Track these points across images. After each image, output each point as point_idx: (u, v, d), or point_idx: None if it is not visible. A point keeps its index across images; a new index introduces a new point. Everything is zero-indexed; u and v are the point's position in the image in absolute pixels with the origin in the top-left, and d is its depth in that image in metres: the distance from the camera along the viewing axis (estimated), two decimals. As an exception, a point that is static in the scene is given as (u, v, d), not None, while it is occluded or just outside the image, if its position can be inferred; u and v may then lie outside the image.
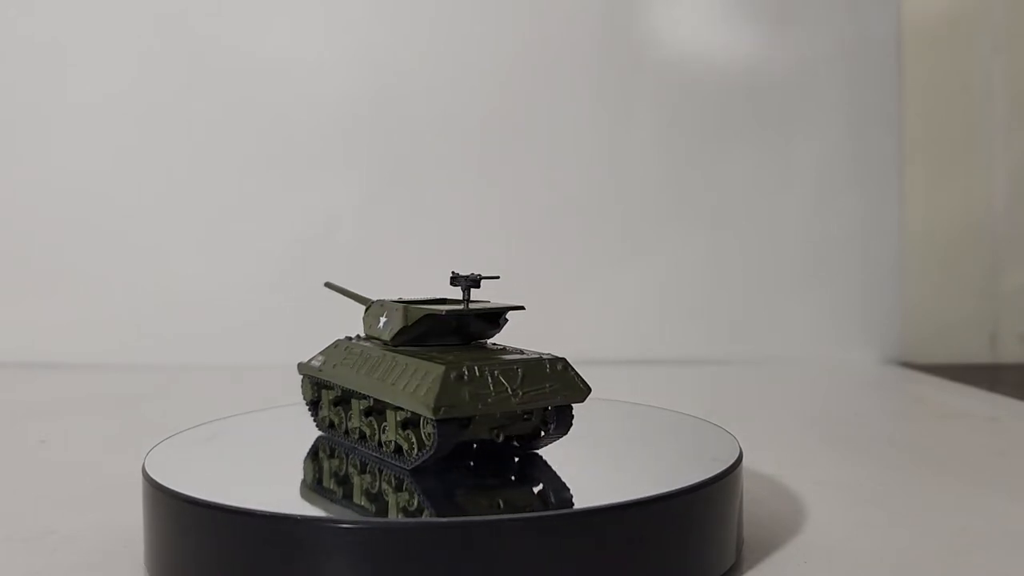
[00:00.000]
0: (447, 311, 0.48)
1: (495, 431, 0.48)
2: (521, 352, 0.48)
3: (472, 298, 0.50)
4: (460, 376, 0.43)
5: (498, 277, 0.49)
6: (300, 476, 0.47)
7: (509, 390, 0.44)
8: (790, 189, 1.27)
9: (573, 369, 0.47)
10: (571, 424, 0.48)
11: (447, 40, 1.27)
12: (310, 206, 1.26)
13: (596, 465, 0.49)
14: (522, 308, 0.49)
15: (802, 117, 1.27)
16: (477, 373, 0.44)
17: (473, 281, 0.49)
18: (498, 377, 0.44)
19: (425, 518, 0.40)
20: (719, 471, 0.44)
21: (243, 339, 1.22)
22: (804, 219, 1.27)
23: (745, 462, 0.48)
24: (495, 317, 0.50)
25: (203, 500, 0.40)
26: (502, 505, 0.42)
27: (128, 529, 0.50)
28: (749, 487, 0.55)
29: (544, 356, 0.47)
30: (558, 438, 0.49)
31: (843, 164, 1.27)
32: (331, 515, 0.40)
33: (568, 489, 0.45)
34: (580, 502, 0.40)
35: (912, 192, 1.27)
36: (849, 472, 0.65)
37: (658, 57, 1.27)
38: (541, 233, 1.27)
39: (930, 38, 1.26)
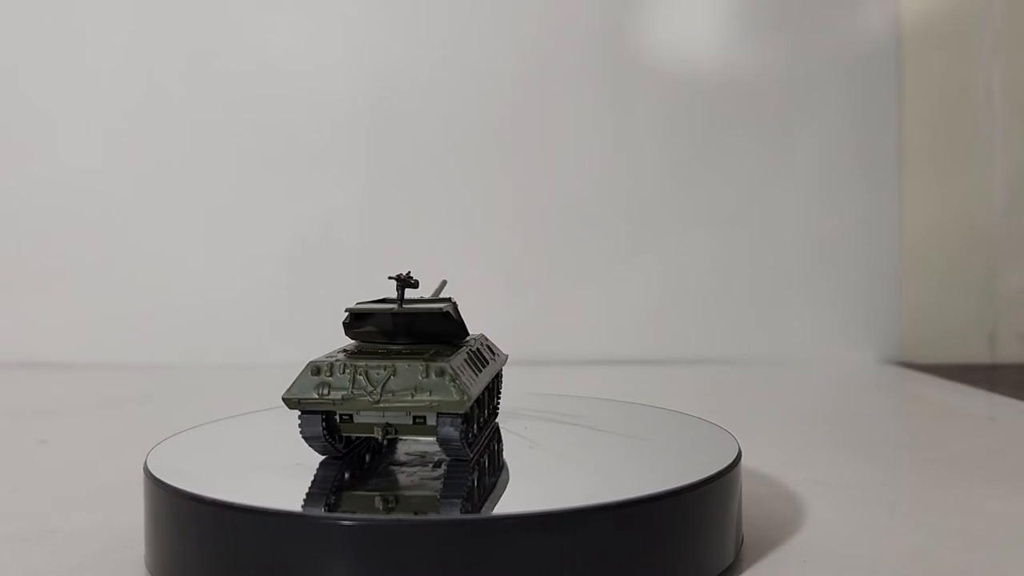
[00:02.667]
0: (351, 308, 0.48)
1: (380, 430, 0.46)
2: (436, 356, 0.46)
3: (418, 298, 0.51)
4: (317, 370, 0.45)
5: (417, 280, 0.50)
6: (299, 474, 0.47)
7: (367, 390, 0.44)
8: (791, 190, 1.27)
9: (453, 377, 0.44)
10: (453, 433, 0.44)
11: (451, 44, 1.27)
12: (312, 207, 1.26)
13: (596, 464, 0.49)
14: (439, 310, 0.48)
15: (803, 119, 1.27)
16: (341, 370, 0.44)
17: (404, 281, 0.49)
18: (358, 376, 0.44)
19: (423, 517, 0.40)
20: (718, 470, 0.44)
21: (243, 339, 1.22)
22: (805, 220, 1.27)
23: (745, 462, 0.48)
24: (435, 317, 0.48)
25: (205, 497, 0.40)
26: (380, 506, 0.41)
27: (128, 529, 0.50)
28: (749, 487, 0.55)
29: (431, 362, 0.45)
30: (447, 448, 0.45)
31: (843, 165, 1.27)
32: (330, 513, 0.40)
33: (464, 497, 0.43)
34: (580, 501, 0.40)
35: (912, 193, 1.27)
36: (849, 472, 0.65)
37: (660, 60, 1.27)
38: (542, 234, 1.27)
39: (929, 40, 1.27)
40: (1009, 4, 1.26)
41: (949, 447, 0.74)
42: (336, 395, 0.44)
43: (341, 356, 0.46)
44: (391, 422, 0.45)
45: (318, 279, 1.25)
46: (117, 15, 1.26)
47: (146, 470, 0.45)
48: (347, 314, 0.49)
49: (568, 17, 1.27)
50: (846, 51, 1.26)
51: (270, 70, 1.26)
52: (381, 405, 0.44)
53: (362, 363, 0.45)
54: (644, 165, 1.28)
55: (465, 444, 0.46)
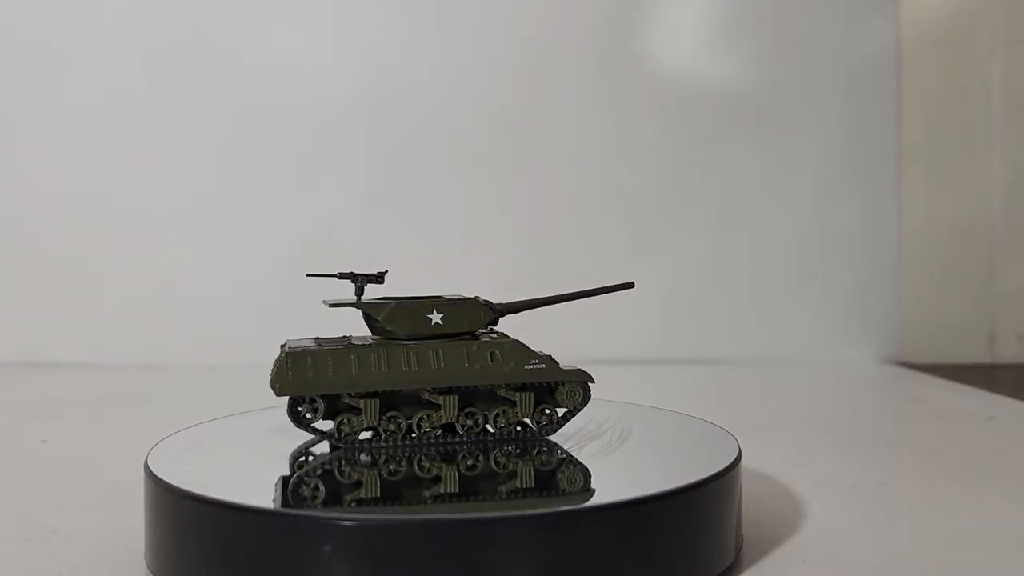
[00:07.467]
0: (327, 301, 0.55)
1: None
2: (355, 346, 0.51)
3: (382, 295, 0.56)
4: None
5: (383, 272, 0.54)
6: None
7: (272, 371, 0.50)
8: (790, 190, 1.27)
9: (282, 371, 0.49)
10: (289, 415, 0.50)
11: (451, 43, 1.27)
12: (311, 207, 1.26)
13: (596, 464, 0.49)
14: (364, 306, 0.52)
15: (802, 119, 1.27)
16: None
17: (352, 277, 0.54)
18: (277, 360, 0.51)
19: (423, 515, 0.40)
20: (718, 470, 0.44)
21: (243, 339, 1.22)
22: (804, 220, 1.28)
23: (745, 462, 0.49)
24: (367, 315, 0.53)
25: (205, 497, 0.40)
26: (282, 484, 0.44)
27: (129, 529, 0.50)
28: (749, 486, 0.56)
29: (285, 349, 0.50)
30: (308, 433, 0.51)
31: (842, 165, 1.27)
32: (331, 512, 0.40)
33: (291, 489, 0.44)
34: (580, 501, 0.40)
35: (910, 193, 1.27)
36: (849, 472, 0.65)
37: (660, 62, 1.27)
38: (542, 233, 1.27)
39: (928, 41, 1.27)
40: (1008, 5, 1.26)
41: (948, 447, 0.74)
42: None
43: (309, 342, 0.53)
44: None
45: (317, 279, 1.24)
46: (115, 15, 1.26)
47: (147, 469, 0.45)
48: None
49: (569, 18, 1.27)
50: (845, 52, 1.27)
51: (270, 70, 1.26)
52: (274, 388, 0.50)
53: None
54: (644, 166, 1.28)
55: (323, 431, 0.50)
